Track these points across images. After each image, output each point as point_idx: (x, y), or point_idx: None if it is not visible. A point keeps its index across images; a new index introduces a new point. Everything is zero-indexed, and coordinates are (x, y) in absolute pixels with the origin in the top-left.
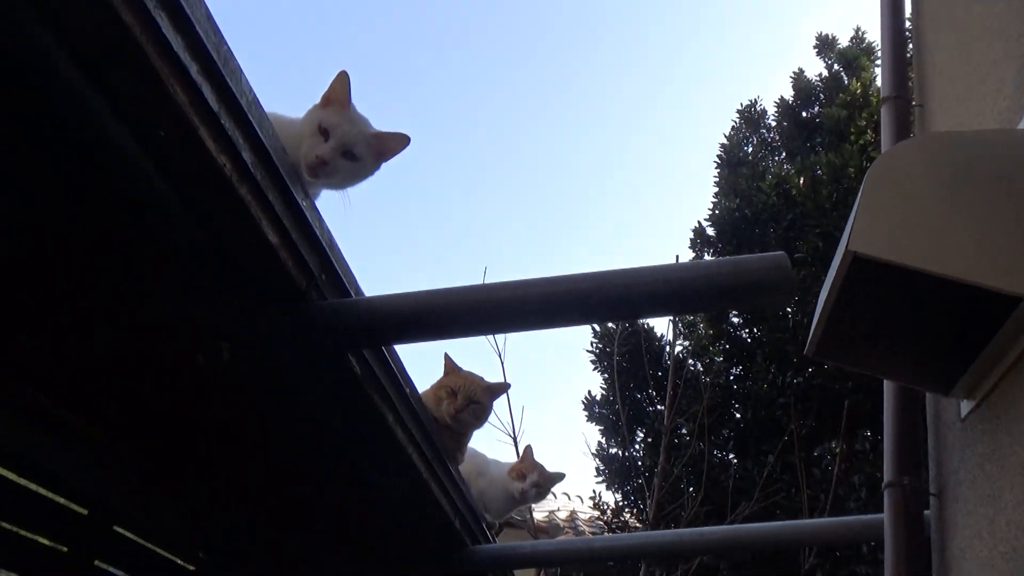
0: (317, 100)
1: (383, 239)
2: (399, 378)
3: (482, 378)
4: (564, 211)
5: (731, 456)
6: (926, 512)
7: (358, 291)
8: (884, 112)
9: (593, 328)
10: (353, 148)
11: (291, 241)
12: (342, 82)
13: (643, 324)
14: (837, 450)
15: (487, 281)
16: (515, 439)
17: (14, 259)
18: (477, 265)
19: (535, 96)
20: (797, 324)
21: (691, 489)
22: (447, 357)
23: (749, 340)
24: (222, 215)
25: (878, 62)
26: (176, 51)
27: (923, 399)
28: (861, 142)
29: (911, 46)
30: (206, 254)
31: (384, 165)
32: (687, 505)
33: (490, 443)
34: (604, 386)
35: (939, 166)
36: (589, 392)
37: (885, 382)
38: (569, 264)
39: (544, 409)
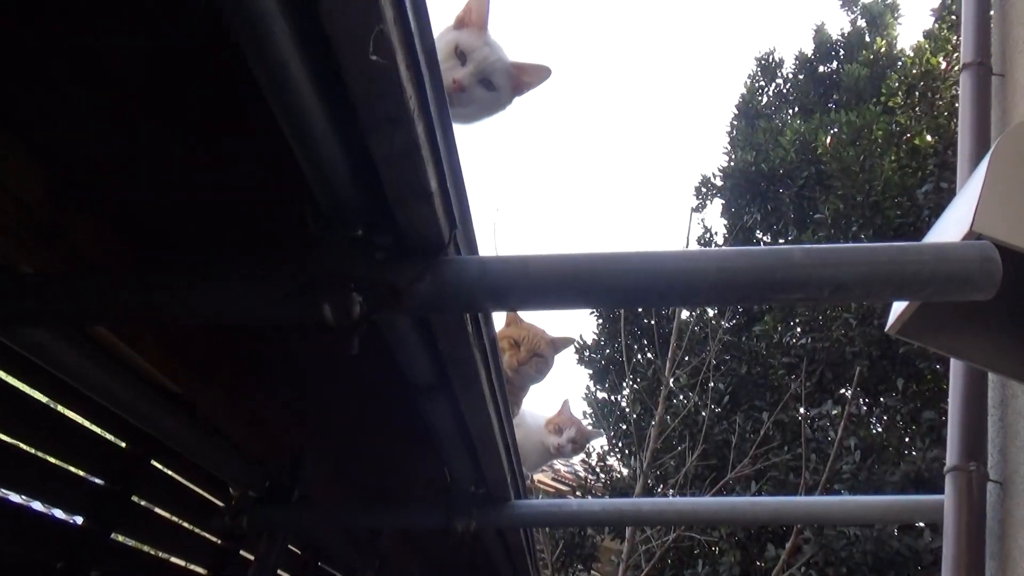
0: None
1: None
2: (492, 335)
3: (545, 331)
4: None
5: (720, 410)
6: None
7: (475, 247)
8: (964, 78)
9: None
10: (492, 76)
11: (445, 187)
12: (480, 1)
13: None
14: (835, 412)
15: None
16: None
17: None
18: None
19: None
20: None
21: (682, 445)
22: None
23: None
24: (388, 159)
25: (902, 20)
26: None
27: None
28: (891, 104)
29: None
30: (358, 202)
31: (517, 100)
32: (684, 457)
33: None
34: (596, 331)
35: None
36: (581, 336)
37: (953, 364)
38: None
39: None
